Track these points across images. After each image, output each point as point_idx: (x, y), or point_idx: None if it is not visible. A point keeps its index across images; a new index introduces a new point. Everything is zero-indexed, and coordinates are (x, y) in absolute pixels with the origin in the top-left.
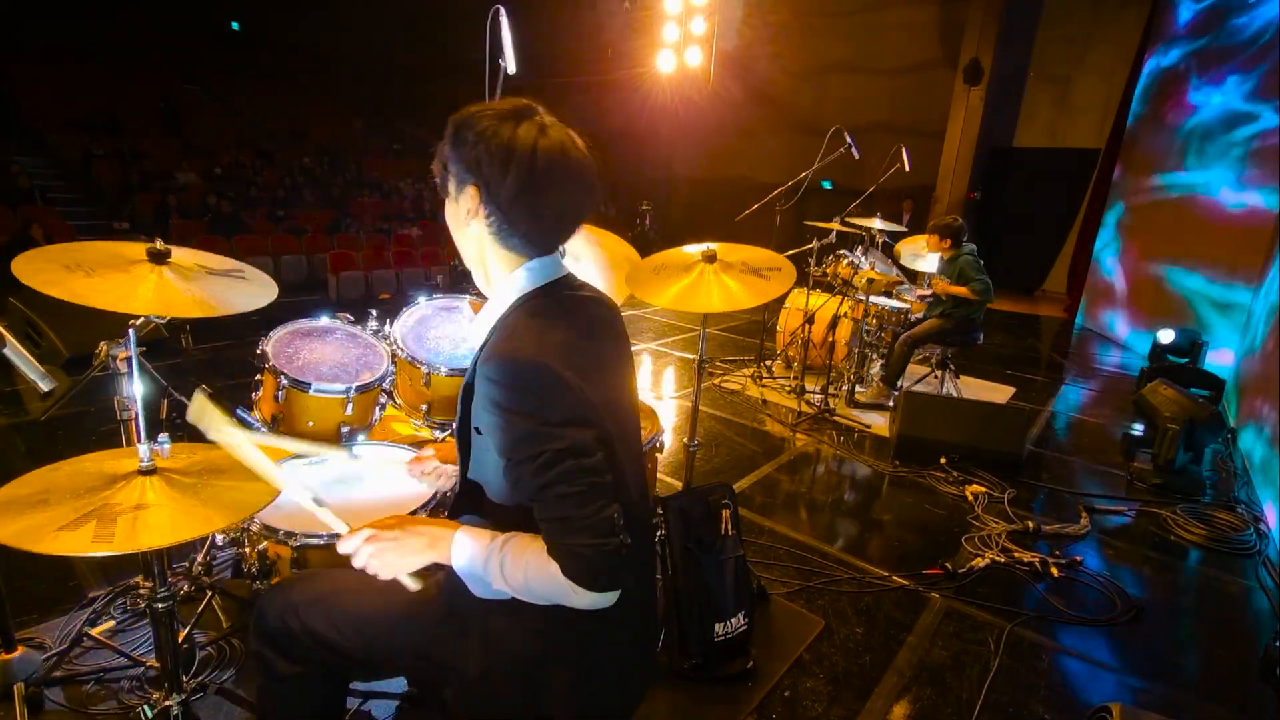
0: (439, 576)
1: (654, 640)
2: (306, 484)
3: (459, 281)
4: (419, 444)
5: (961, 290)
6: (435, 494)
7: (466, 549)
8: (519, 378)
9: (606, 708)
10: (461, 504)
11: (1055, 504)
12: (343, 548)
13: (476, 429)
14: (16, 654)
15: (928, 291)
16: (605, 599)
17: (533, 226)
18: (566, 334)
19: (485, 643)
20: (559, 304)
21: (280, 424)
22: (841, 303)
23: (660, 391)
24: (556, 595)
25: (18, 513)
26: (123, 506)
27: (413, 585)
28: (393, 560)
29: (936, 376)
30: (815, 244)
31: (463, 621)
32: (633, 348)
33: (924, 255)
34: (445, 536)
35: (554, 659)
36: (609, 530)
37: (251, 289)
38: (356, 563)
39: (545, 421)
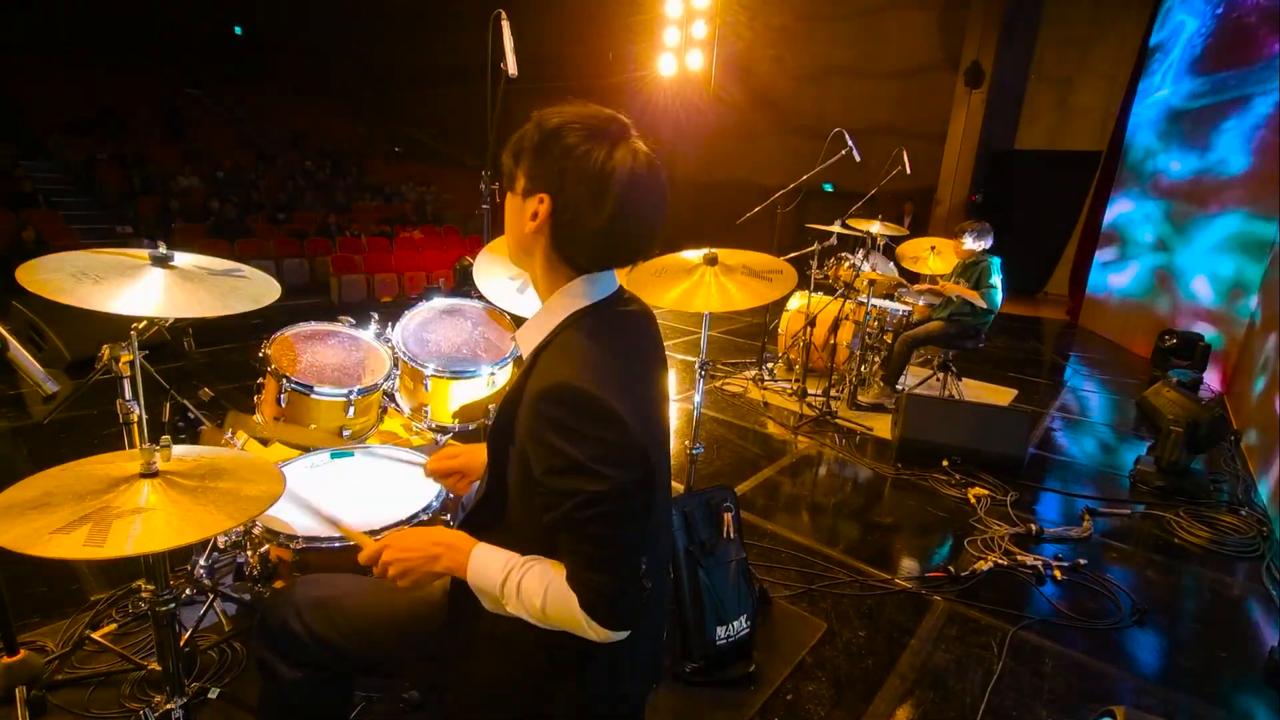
0: (444, 581)
1: (659, 650)
2: (317, 501)
3: (461, 284)
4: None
5: (972, 294)
6: (438, 494)
7: (483, 565)
8: (571, 408)
9: (611, 715)
10: (483, 513)
11: (1058, 507)
12: (365, 559)
13: (512, 443)
14: (19, 657)
15: (923, 285)
16: (617, 636)
17: (606, 251)
18: (622, 360)
19: (493, 649)
20: (615, 322)
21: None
22: (843, 305)
23: None
24: (570, 625)
25: (18, 515)
26: (121, 510)
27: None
28: (413, 571)
29: (938, 379)
30: (816, 246)
31: (471, 626)
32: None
33: (927, 258)
34: (463, 550)
35: (560, 669)
36: (633, 576)
37: (255, 288)
38: (377, 571)
39: (590, 458)
